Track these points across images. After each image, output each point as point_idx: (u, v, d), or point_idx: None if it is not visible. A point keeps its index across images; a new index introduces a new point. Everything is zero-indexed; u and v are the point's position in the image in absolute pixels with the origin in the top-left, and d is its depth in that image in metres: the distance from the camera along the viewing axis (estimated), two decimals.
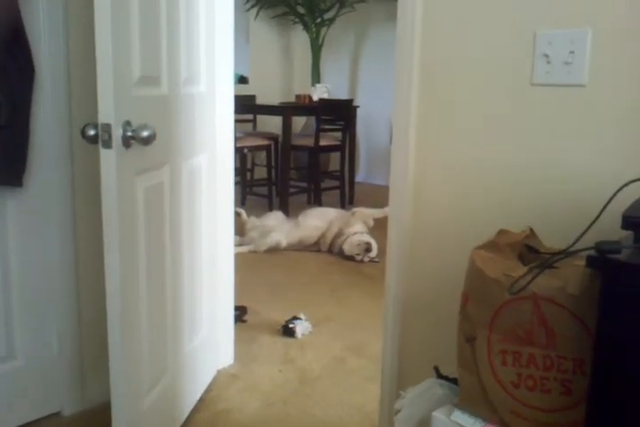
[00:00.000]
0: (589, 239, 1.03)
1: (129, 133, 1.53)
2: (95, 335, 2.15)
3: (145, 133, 1.55)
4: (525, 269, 1.14)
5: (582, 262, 0.98)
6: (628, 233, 0.95)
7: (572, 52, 1.42)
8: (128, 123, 1.54)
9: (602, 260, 0.90)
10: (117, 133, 1.50)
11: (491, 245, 1.25)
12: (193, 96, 2.08)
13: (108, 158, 1.50)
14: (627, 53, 1.35)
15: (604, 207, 1.12)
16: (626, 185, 1.12)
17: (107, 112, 1.48)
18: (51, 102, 1.99)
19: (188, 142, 2.05)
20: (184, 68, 1.96)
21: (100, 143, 1.50)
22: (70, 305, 2.15)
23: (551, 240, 1.33)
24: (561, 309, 1.09)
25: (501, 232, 1.32)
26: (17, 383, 2.07)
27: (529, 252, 1.30)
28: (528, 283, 1.10)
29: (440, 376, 1.50)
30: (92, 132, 1.54)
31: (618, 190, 1.12)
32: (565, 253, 1.11)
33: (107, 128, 1.48)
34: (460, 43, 1.60)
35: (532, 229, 1.34)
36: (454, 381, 1.41)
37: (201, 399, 2.33)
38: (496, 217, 1.56)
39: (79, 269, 2.16)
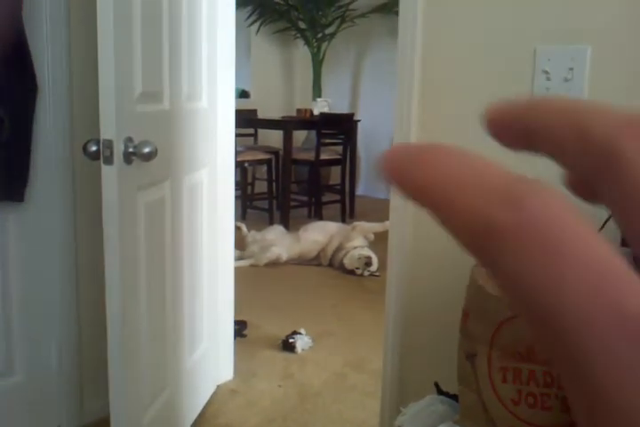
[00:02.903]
0: None
1: (130, 149, 1.54)
2: (95, 350, 2.15)
3: (146, 149, 1.56)
4: None
5: None
6: (628, 249, 0.95)
7: (571, 69, 1.43)
8: (130, 139, 1.54)
9: None
10: (119, 149, 1.50)
11: None
12: (194, 112, 2.09)
13: (110, 174, 1.51)
14: (625, 70, 1.36)
15: (605, 223, 1.12)
16: None
17: (108, 128, 1.49)
18: (53, 118, 2.01)
19: (190, 157, 2.06)
20: (186, 84, 1.98)
21: (101, 159, 1.51)
22: (70, 320, 2.15)
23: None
24: None
25: None
26: (16, 399, 2.07)
27: None
28: None
29: (440, 393, 1.49)
30: (93, 149, 1.55)
31: None
32: None
33: (108, 144, 1.49)
34: (461, 58, 1.61)
35: None
36: (455, 397, 1.40)
37: (201, 415, 2.32)
38: None
39: (80, 284, 2.16)
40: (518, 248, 0.14)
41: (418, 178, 0.16)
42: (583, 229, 0.14)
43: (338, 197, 6.02)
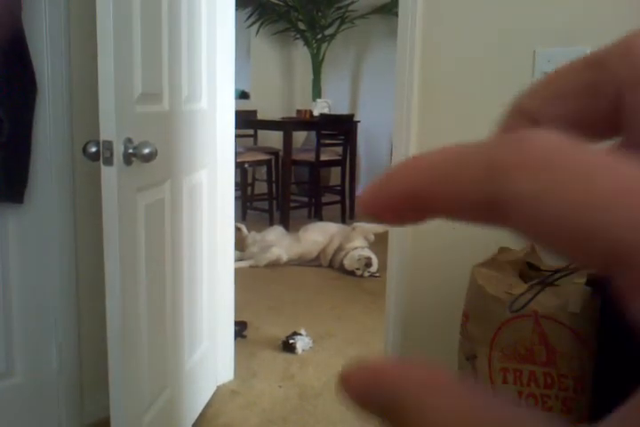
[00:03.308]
0: None
1: (130, 151, 1.54)
2: (95, 351, 2.15)
3: (146, 150, 1.56)
4: (526, 286, 1.14)
5: (583, 280, 0.98)
6: None
7: None
8: (129, 140, 1.54)
9: (602, 278, 0.90)
10: (119, 151, 1.50)
11: (491, 263, 1.25)
12: (194, 113, 2.09)
13: (110, 175, 1.51)
14: None
15: None
16: None
17: (108, 129, 1.49)
18: (52, 119, 2.01)
19: (189, 158, 2.06)
20: (185, 85, 1.98)
21: (101, 160, 1.51)
22: (70, 321, 2.15)
23: (552, 258, 1.34)
24: (562, 327, 1.09)
25: (502, 250, 1.33)
26: (16, 399, 2.06)
27: (530, 269, 1.30)
28: (529, 301, 1.10)
29: None
30: (93, 150, 1.55)
31: None
32: (566, 271, 1.12)
33: (108, 145, 1.49)
34: (460, 60, 1.61)
35: (532, 247, 1.34)
36: None
37: (201, 415, 2.32)
38: (497, 234, 1.57)
39: (79, 285, 2.16)
40: (532, 178, 0.13)
41: (396, 188, 0.15)
42: (593, 150, 0.13)
43: (338, 197, 6.03)
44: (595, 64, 0.17)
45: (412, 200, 0.15)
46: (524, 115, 0.18)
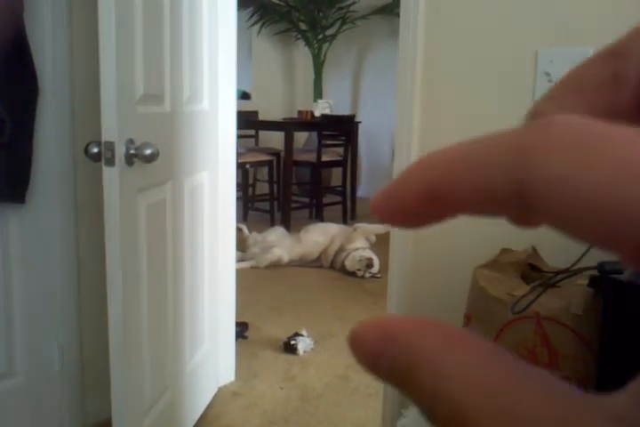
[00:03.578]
0: (592, 259, 1.03)
1: (132, 151, 1.54)
2: (96, 352, 2.15)
3: (148, 151, 1.56)
4: (528, 288, 1.14)
5: (585, 282, 0.97)
6: None
7: None
8: (131, 141, 1.54)
9: (605, 280, 0.90)
10: (120, 151, 1.50)
11: (493, 264, 1.25)
12: (196, 114, 2.09)
13: (111, 176, 1.51)
14: None
15: None
16: None
17: (110, 130, 1.49)
18: (54, 120, 2.00)
19: (191, 159, 2.06)
20: (187, 86, 1.98)
21: (102, 161, 1.51)
22: (72, 322, 2.15)
23: (554, 259, 1.33)
24: (564, 328, 1.08)
25: (504, 251, 1.32)
26: (17, 400, 2.06)
27: (532, 270, 1.30)
28: (531, 303, 1.10)
29: None
30: (95, 150, 1.55)
31: None
32: (568, 273, 1.11)
33: (110, 146, 1.48)
34: (462, 60, 1.60)
35: (534, 248, 1.34)
36: None
37: (202, 417, 2.31)
38: (498, 235, 1.57)
39: (81, 285, 2.16)
40: (561, 161, 0.13)
41: (413, 187, 0.15)
42: (623, 129, 0.13)
43: (339, 198, 6.02)
44: (613, 55, 0.16)
45: (432, 197, 0.15)
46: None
